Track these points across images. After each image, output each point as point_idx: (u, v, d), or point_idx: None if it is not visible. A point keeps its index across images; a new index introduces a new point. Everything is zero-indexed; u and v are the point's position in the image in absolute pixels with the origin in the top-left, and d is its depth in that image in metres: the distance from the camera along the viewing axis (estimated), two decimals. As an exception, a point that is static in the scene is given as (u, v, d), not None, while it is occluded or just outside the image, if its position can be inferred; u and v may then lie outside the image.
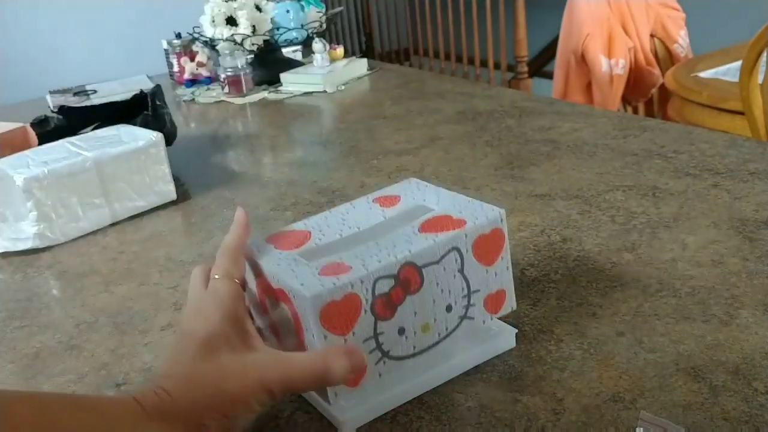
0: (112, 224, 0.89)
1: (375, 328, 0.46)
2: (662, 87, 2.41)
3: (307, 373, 0.42)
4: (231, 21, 1.52)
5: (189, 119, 1.42)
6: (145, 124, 1.02)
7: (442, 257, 0.47)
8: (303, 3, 1.61)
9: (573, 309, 0.58)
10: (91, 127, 1.12)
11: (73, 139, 0.93)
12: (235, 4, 1.52)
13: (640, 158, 0.88)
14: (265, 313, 0.50)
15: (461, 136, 1.07)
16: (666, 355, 0.50)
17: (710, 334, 0.52)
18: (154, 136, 0.91)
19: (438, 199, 0.54)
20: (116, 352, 0.61)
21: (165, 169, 0.92)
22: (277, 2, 1.58)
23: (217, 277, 0.47)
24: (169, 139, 1.07)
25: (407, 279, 0.46)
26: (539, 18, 3.64)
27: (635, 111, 2.56)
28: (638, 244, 0.67)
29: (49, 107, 1.58)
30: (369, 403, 0.48)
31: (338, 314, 0.44)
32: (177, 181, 0.97)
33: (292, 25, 1.57)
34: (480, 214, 0.50)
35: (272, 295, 0.48)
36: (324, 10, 1.68)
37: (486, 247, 0.49)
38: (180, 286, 0.71)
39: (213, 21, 1.52)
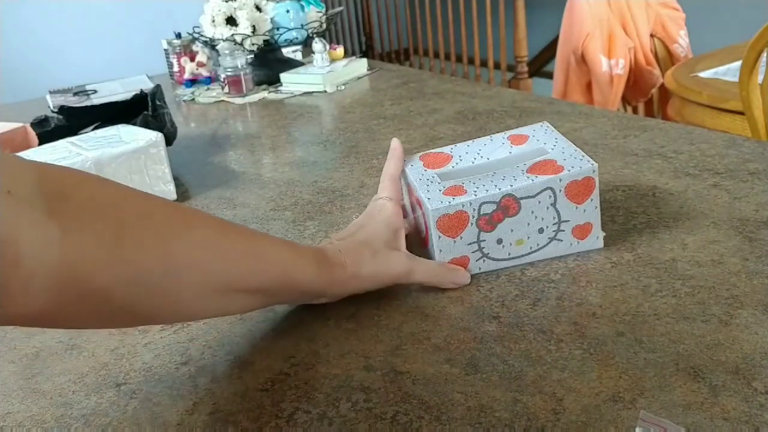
0: (113, 224, 0.88)
1: (478, 237, 0.63)
2: (662, 87, 2.41)
3: (428, 274, 0.62)
4: (231, 21, 1.52)
5: (189, 119, 1.42)
6: (145, 124, 1.02)
7: (538, 193, 0.62)
8: (303, 3, 1.61)
9: (573, 309, 0.58)
10: (92, 127, 1.12)
11: (73, 139, 0.93)
12: (235, 4, 1.52)
13: (639, 158, 0.88)
14: (411, 208, 0.70)
15: (461, 136, 1.07)
16: (666, 355, 0.50)
17: (710, 334, 0.52)
18: (154, 136, 0.91)
19: (555, 145, 0.67)
20: (116, 352, 0.61)
21: (165, 169, 0.92)
22: (277, 2, 1.58)
23: (383, 197, 0.66)
24: (169, 139, 1.07)
25: (507, 206, 0.62)
26: (539, 18, 3.65)
27: (635, 111, 2.56)
28: (638, 243, 0.67)
29: (49, 107, 1.58)
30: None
31: (450, 223, 0.62)
32: (177, 181, 0.97)
33: (292, 25, 1.57)
34: (577, 164, 0.63)
35: (414, 200, 0.68)
36: (324, 10, 1.68)
37: (577, 190, 0.62)
38: (180, 286, 0.71)
39: (213, 21, 1.52)
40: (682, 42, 2.46)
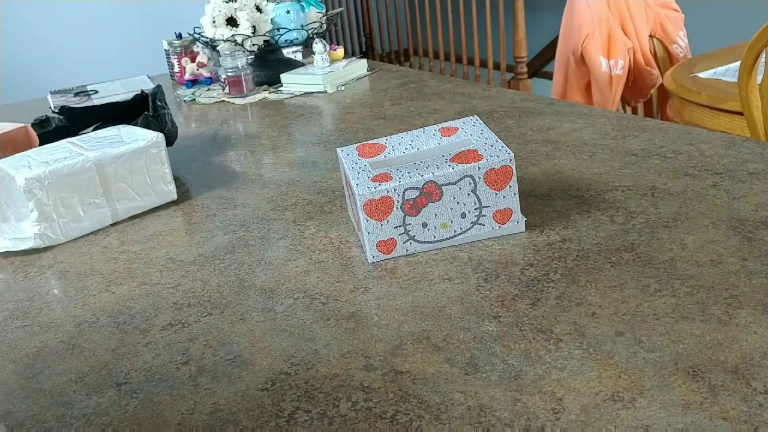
0: (113, 224, 0.89)
1: (404, 221, 0.68)
2: (661, 87, 2.41)
3: None
4: (231, 22, 1.52)
5: (190, 119, 1.42)
6: (146, 125, 1.02)
7: (458, 180, 0.67)
8: (303, 4, 1.62)
9: (572, 309, 0.58)
10: (92, 127, 1.12)
11: (74, 139, 0.94)
12: (235, 5, 1.52)
13: (639, 158, 0.88)
14: (347, 196, 0.75)
15: (461, 136, 1.07)
16: (665, 355, 0.51)
17: (709, 334, 0.52)
18: (155, 136, 0.91)
19: (480, 137, 0.73)
20: (117, 352, 0.61)
21: (166, 170, 0.92)
22: (278, 3, 1.58)
23: None
24: (170, 139, 1.07)
25: (429, 191, 0.67)
26: (539, 19, 3.65)
27: (634, 111, 2.56)
28: (637, 243, 0.67)
29: (50, 107, 1.58)
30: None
31: (376, 208, 0.67)
32: (177, 181, 0.97)
33: (292, 25, 1.58)
34: (495, 153, 0.68)
35: (347, 187, 0.74)
36: (324, 11, 1.68)
37: (496, 177, 0.68)
38: (180, 285, 0.71)
39: (213, 22, 1.52)
40: (681, 42, 2.46)
